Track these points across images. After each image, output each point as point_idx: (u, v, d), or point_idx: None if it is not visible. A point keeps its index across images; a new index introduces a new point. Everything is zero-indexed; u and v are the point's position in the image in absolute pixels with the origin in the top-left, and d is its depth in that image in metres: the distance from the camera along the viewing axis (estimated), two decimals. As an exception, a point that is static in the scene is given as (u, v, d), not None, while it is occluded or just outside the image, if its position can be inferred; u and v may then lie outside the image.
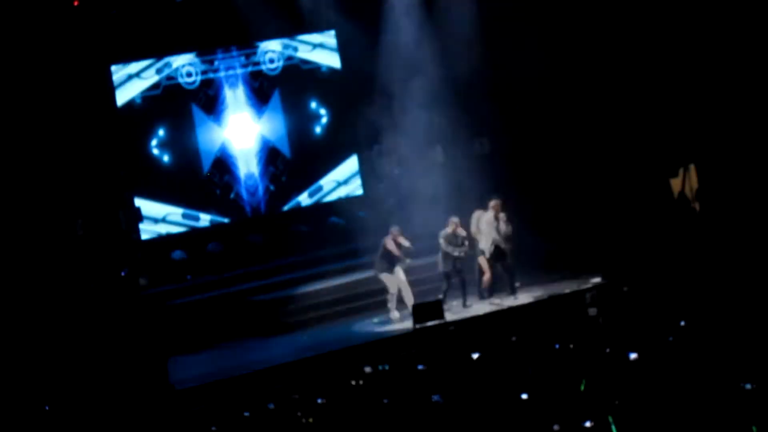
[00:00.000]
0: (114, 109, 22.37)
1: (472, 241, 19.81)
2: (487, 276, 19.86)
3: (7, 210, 19.31)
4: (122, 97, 22.65)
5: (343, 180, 24.46)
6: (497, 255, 19.76)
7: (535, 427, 10.38)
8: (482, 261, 19.85)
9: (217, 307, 21.06)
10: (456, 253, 19.54)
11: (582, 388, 11.85)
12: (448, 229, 19.63)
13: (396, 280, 19.69)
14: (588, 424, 9.89)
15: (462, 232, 19.64)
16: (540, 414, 10.57)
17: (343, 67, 24.27)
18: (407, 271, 19.94)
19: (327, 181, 24.35)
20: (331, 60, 24.43)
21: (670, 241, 20.46)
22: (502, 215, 19.78)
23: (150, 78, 22.92)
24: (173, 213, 23.04)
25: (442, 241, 19.62)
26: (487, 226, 19.71)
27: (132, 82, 22.79)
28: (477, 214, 19.92)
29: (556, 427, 9.98)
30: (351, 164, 24.55)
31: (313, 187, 24.30)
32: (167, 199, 23.01)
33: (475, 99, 22.24)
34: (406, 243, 19.69)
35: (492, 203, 19.82)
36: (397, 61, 22.38)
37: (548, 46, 21.55)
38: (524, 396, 11.13)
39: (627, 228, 21.20)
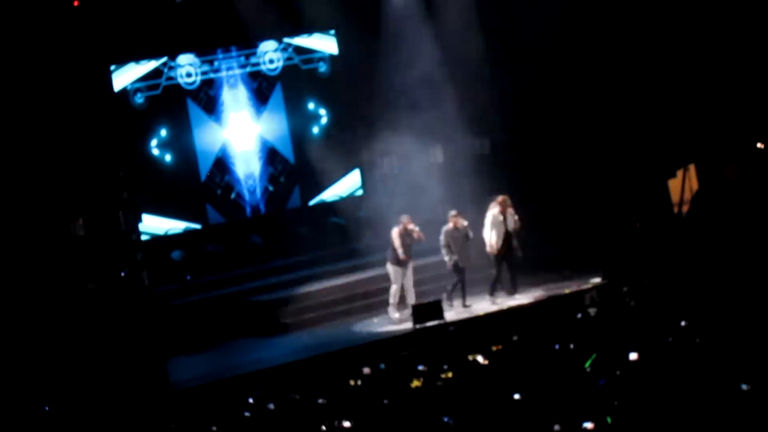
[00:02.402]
0: (114, 109, 22.36)
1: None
2: (493, 271, 19.86)
3: (7, 210, 19.31)
4: (119, 82, 22.61)
5: (346, 195, 24.43)
6: (507, 247, 19.70)
7: (535, 427, 10.39)
8: (490, 255, 19.87)
9: (217, 307, 21.06)
10: (446, 258, 19.53)
11: (587, 365, 11.87)
12: (450, 225, 19.61)
13: (401, 275, 19.56)
14: (588, 425, 9.89)
15: (463, 222, 19.61)
16: (541, 414, 10.57)
17: (342, 66, 24.24)
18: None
19: (329, 195, 24.32)
20: (330, 48, 24.39)
21: (670, 241, 20.46)
22: (510, 211, 19.77)
23: (147, 65, 22.91)
24: (175, 228, 23.06)
25: (442, 238, 19.60)
26: (494, 221, 19.71)
27: (129, 66, 22.77)
28: (490, 207, 19.93)
29: (557, 428, 9.98)
30: (354, 178, 24.49)
31: (314, 201, 24.27)
32: (169, 213, 23.00)
33: (475, 98, 22.24)
34: (416, 228, 19.53)
35: (499, 199, 19.81)
36: (397, 61, 22.38)
37: (548, 47, 21.54)
38: (516, 396, 11.13)
39: (627, 228, 21.20)
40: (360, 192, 24.51)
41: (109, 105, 22.13)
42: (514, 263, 19.87)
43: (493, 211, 19.80)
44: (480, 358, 13.79)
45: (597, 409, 10.35)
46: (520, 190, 21.66)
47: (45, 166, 19.92)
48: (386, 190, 23.67)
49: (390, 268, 19.61)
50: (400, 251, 19.42)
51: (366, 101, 23.11)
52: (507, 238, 19.73)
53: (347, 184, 24.47)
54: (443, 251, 19.65)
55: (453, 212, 19.69)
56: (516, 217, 19.81)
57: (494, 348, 14.17)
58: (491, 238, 19.76)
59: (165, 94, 23.13)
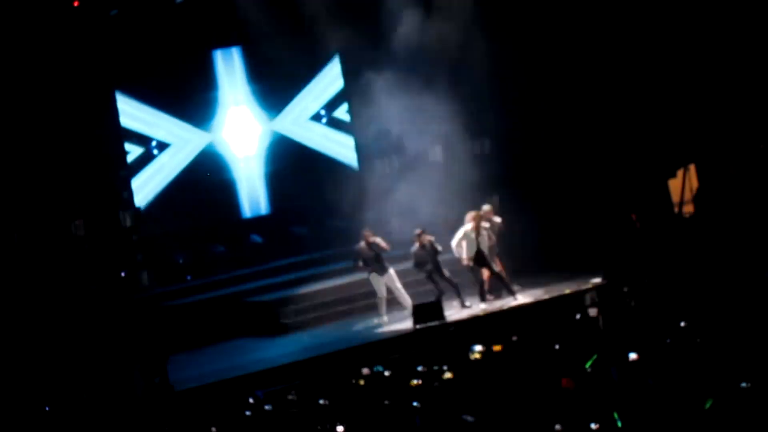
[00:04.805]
0: (115, 109, 22.38)
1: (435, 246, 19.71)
2: (485, 274, 19.80)
3: (7, 211, 19.31)
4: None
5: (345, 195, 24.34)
6: (479, 263, 19.65)
7: (537, 427, 10.39)
8: (471, 266, 19.80)
9: (218, 307, 21.06)
10: (424, 274, 19.56)
11: (588, 365, 11.87)
12: (416, 245, 19.57)
13: (383, 283, 19.55)
14: (592, 425, 9.90)
15: (427, 238, 19.52)
16: (542, 414, 10.58)
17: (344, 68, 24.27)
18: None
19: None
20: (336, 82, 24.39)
21: (670, 241, 20.46)
22: (483, 224, 19.67)
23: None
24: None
25: (412, 258, 19.61)
26: (465, 237, 19.62)
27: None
28: (465, 219, 19.84)
29: (558, 427, 9.98)
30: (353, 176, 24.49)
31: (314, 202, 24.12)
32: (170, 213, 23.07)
33: (475, 99, 22.23)
34: (376, 240, 19.49)
35: (472, 214, 19.71)
36: (397, 61, 22.35)
37: (548, 47, 21.55)
38: (515, 397, 11.15)
39: (627, 228, 21.19)
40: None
41: (110, 105, 22.24)
42: (494, 274, 19.73)
43: (466, 227, 19.68)
44: (478, 348, 13.82)
45: (599, 409, 10.36)
46: (520, 190, 21.66)
47: (45, 166, 19.93)
48: (386, 191, 23.65)
49: (370, 278, 19.66)
50: (360, 265, 19.58)
51: (366, 101, 23.09)
52: (479, 255, 19.62)
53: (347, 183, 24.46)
54: (417, 270, 19.67)
55: (417, 231, 19.59)
56: (492, 232, 19.65)
57: (495, 348, 14.17)
58: (461, 252, 19.65)
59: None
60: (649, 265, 19.14)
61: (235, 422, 13.24)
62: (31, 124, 19.75)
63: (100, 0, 21.16)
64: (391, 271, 19.63)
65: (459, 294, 19.64)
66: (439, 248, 19.57)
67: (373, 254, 19.47)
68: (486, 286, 19.84)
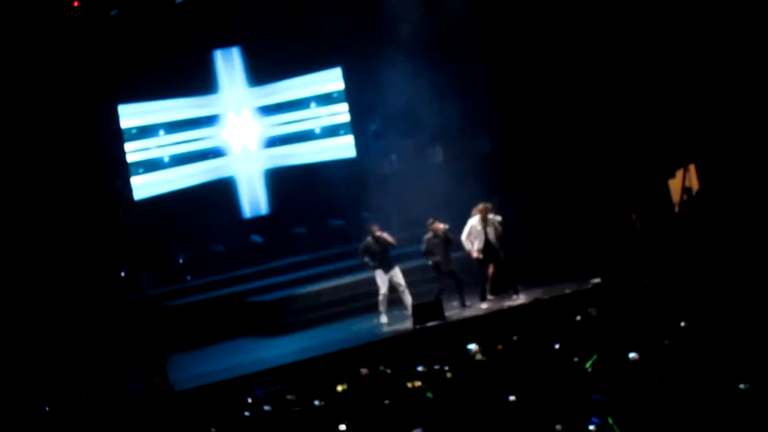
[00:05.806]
0: (115, 109, 22.39)
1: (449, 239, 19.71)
2: (490, 271, 19.80)
3: (7, 211, 19.34)
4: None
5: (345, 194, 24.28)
6: (488, 254, 19.67)
7: (537, 427, 10.39)
8: (480, 260, 19.82)
9: (218, 308, 21.06)
10: (429, 262, 19.56)
11: (588, 365, 11.88)
12: (429, 233, 19.56)
13: (387, 280, 19.56)
14: (592, 427, 9.90)
15: (441, 227, 19.54)
16: (542, 414, 10.58)
17: (344, 69, 24.26)
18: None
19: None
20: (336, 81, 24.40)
21: (670, 241, 20.46)
22: (491, 217, 19.69)
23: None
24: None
25: (423, 246, 19.61)
26: (473, 230, 19.65)
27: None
28: (471, 214, 19.87)
29: (558, 427, 9.98)
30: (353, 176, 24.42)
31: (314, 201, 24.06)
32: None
33: (475, 99, 22.24)
34: (383, 235, 19.55)
35: (480, 207, 19.73)
36: (398, 59, 22.36)
37: (548, 47, 21.56)
38: (515, 396, 11.14)
39: (627, 228, 21.20)
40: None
41: (110, 105, 22.26)
42: (502, 266, 19.76)
43: (472, 220, 19.71)
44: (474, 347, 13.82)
45: (599, 409, 10.36)
46: (520, 190, 21.67)
47: (46, 166, 19.97)
48: (386, 190, 23.68)
49: (375, 273, 19.66)
50: (366, 260, 19.53)
51: (366, 101, 23.10)
52: (488, 246, 19.63)
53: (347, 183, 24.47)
54: (426, 257, 19.69)
55: (430, 220, 19.62)
56: (498, 223, 19.69)
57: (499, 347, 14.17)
58: (470, 246, 19.69)
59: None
60: (649, 265, 19.14)
61: (234, 422, 13.24)
62: (32, 123, 19.79)
63: (100, 0, 21.17)
64: (397, 268, 19.64)
65: (461, 292, 19.63)
66: (452, 238, 19.56)
67: (380, 249, 19.46)
68: (488, 285, 19.85)
